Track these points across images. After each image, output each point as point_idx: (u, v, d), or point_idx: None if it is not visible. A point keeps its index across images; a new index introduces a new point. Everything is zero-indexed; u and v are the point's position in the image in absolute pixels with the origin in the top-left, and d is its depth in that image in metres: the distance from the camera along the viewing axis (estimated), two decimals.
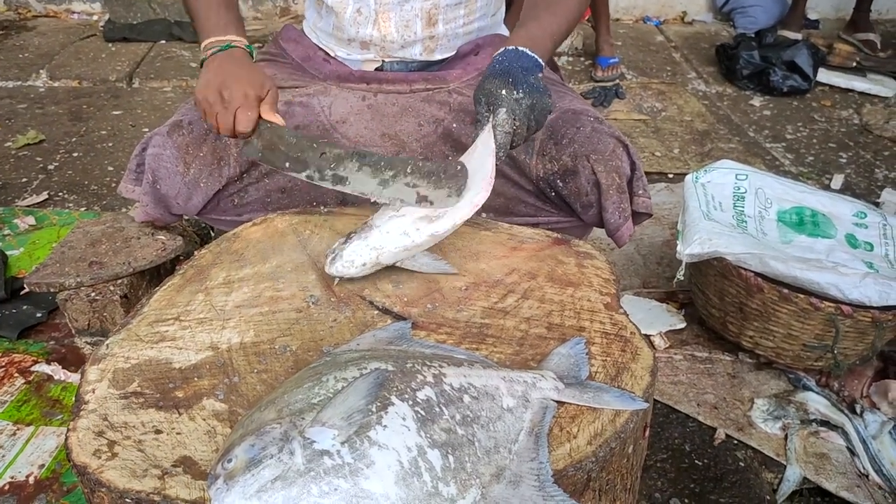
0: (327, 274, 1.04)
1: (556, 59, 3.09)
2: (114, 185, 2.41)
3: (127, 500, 0.72)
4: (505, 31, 1.58)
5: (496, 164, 1.09)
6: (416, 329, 0.96)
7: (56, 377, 1.55)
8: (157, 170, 1.33)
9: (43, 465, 1.34)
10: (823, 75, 3.35)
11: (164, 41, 3.68)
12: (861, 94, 3.32)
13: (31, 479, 1.32)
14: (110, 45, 3.63)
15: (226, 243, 1.16)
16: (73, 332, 1.59)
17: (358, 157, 1.06)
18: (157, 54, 3.54)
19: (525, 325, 0.97)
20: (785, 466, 1.41)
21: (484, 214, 1.40)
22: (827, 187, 2.52)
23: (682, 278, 1.64)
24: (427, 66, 1.48)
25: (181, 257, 1.57)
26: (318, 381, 0.73)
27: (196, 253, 1.14)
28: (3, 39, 3.68)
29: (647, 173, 1.52)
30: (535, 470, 0.74)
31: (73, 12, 4.06)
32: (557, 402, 0.83)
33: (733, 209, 1.74)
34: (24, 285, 1.56)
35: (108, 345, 0.92)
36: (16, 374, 1.56)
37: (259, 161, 1.12)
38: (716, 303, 1.65)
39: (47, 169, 2.53)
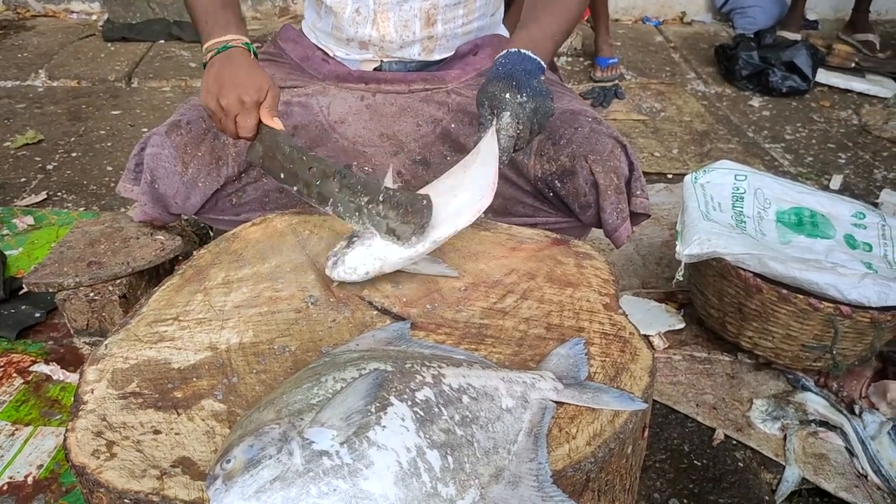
0: (328, 276, 1.04)
1: (555, 59, 3.09)
2: (113, 184, 2.40)
3: (126, 500, 0.72)
4: (504, 31, 1.58)
5: (500, 169, 1.09)
6: (415, 329, 0.96)
7: (55, 377, 1.55)
8: (155, 169, 1.33)
9: (41, 466, 1.34)
10: (822, 76, 3.35)
11: (163, 41, 3.68)
12: (860, 94, 3.32)
13: (30, 480, 1.31)
14: (109, 44, 3.62)
15: (225, 243, 1.16)
16: (72, 332, 1.59)
17: (339, 175, 1.05)
18: (155, 54, 3.54)
19: (524, 325, 0.97)
20: (784, 467, 1.41)
21: (482, 215, 1.40)
22: (826, 188, 2.52)
23: (681, 279, 1.64)
24: (426, 66, 1.48)
25: (180, 257, 1.57)
26: (317, 382, 0.73)
27: (195, 253, 1.14)
28: (1, 39, 3.68)
29: (646, 174, 1.52)
30: (534, 470, 0.74)
31: (72, 12, 4.06)
32: (556, 402, 0.83)
33: (732, 209, 1.75)
34: (23, 285, 1.56)
35: (106, 345, 0.92)
36: (14, 374, 1.56)
37: (259, 168, 1.12)
38: (715, 303, 1.65)
39: (46, 169, 2.52)
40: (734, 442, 1.48)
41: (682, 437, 1.49)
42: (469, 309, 1.00)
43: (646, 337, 0.97)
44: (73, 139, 2.74)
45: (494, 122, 1.11)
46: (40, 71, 3.29)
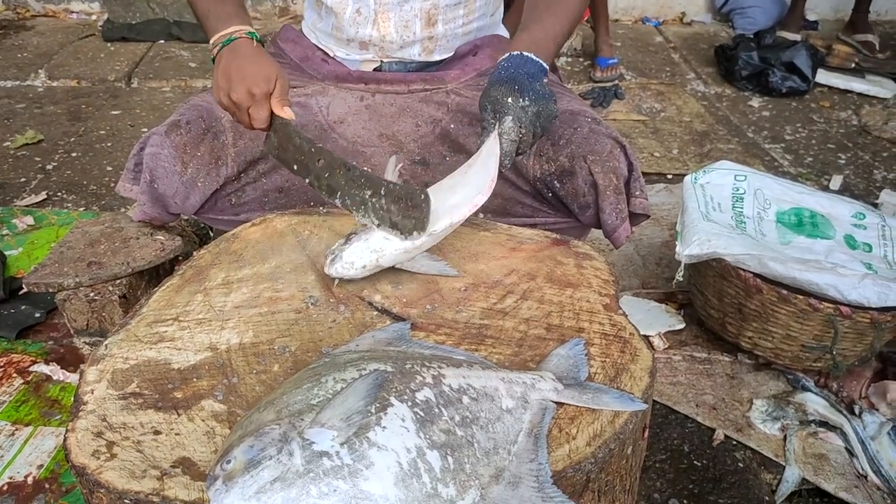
0: (326, 274, 1.04)
1: (555, 59, 3.09)
2: (112, 185, 2.40)
3: (126, 500, 0.72)
4: (503, 32, 1.58)
5: (500, 171, 1.09)
6: (416, 330, 0.96)
7: (55, 377, 1.55)
8: (154, 169, 1.33)
9: (42, 466, 1.34)
10: (822, 76, 3.36)
11: (162, 41, 3.68)
12: (860, 95, 3.32)
13: (30, 480, 1.31)
14: (109, 44, 3.62)
15: (225, 244, 1.16)
16: (72, 332, 1.59)
17: (343, 168, 1.06)
18: (155, 54, 3.54)
19: (524, 325, 0.97)
20: (784, 467, 1.41)
21: (481, 215, 1.40)
22: (826, 188, 2.52)
23: (681, 279, 1.64)
24: (425, 66, 1.48)
25: (180, 258, 1.57)
26: (317, 382, 0.73)
27: (195, 253, 1.14)
28: (1, 39, 3.68)
29: (645, 174, 1.53)
30: (534, 471, 0.74)
31: (72, 12, 4.06)
32: (556, 403, 0.83)
33: (732, 210, 1.75)
34: (23, 285, 1.55)
35: (106, 345, 0.92)
36: (14, 375, 1.56)
37: (276, 159, 1.12)
38: (715, 303, 1.65)
39: (46, 169, 2.52)
40: (734, 442, 1.48)
41: (682, 438, 1.50)
42: (469, 309, 1.00)
43: (646, 337, 0.97)
44: (72, 139, 2.74)
45: (497, 126, 1.11)
46: (40, 71, 3.29)
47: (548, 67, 1.18)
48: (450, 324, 0.97)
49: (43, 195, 2.33)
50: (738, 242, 1.56)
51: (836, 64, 3.47)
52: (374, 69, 1.47)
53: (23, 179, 2.45)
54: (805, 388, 1.57)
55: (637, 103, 3.17)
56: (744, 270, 1.53)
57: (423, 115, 1.43)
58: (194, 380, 0.87)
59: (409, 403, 0.72)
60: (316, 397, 0.71)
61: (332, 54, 1.49)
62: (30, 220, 2.13)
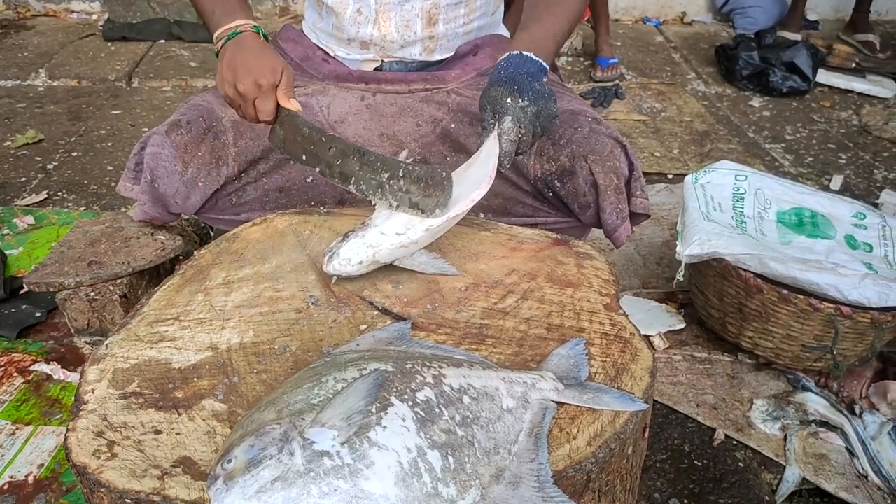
0: (325, 272, 1.04)
1: (555, 59, 3.09)
2: (113, 184, 2.41)
3: (126, 500, 0.72)
4: (504, 31, 1.58)
5: (500, 171, 1.09)
6: (416, 330, 0.96)
7: (55, 377, 1.55)
8: (155, 169, 1.33)
9: (42, 465, 1.34)
10: (823, 76, 3.35)
11: (163, 40, 3.68)
12: (860, 95, 3.32)
13: (31, 479, 1.32)
14: (109, 44, 3.62)
15: (225, 243, 1.16)
16: (73, 331, 1.59)
17: (358, 153, 1.06)
18: (156, 54, 3.54)
19: (525, 325, 0.97)
20: (784, 467, 1.41)
21: (482, 215, 1.40)
22: (826, 188, 2.52)
23: (681, 279, 1.64)
24: (426, 66, 1.48)
25: (181, 257, 1.57)
26: (317, 382, 0.73)
27: (195, 253, 1.14)
28: (2, 38, 3.68)
29: (646, 174, 1.53)
30: (534, 471, 0.74)
31: (73, 11, 4.06)
32: (557, 402, 0.83)
33: (733, 210, 1.75)
34: (24, 285, 1.56)
35: (107, 345, 0.92)
36: (15, 374, 1.56)
37: (282, 151, 1.12)
38: (715, 303, 1.65)
39: (46, 168, 2.53)
40: (734, 442, 1.48)
41: (683, 438, 1.50)
42: (469, 309, 1.00)
43: (646, 337, 0.97)
44: (73, 139, 2.74)
45: (496, 127, 1.11)
46: (41, 70, 3.29)
47: (548, 67, 1.18)
48: (450, 323, 0.97)
49: (43, 195, 2.34)
50: (739, 242, 1.56)
51: (837, 64, 3.47)
52: (375, 69, 1.47)
53: (23, 179, 2.45)
54: (805, 388, 1.57)
55: (638, 103, 3.17)
56: (744, 270, 1.53)
57: (423, 115, 1.43)
58: (195, 379, 0.87)
59: (410, 403, 0.72)
60: (317, 397, 0.71)
61: (332, 54, 1.49)
62: (30, 219, 2.13)
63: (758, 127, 3.02)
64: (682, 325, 1.76)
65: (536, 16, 1.24)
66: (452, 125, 1.42)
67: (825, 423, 1.49)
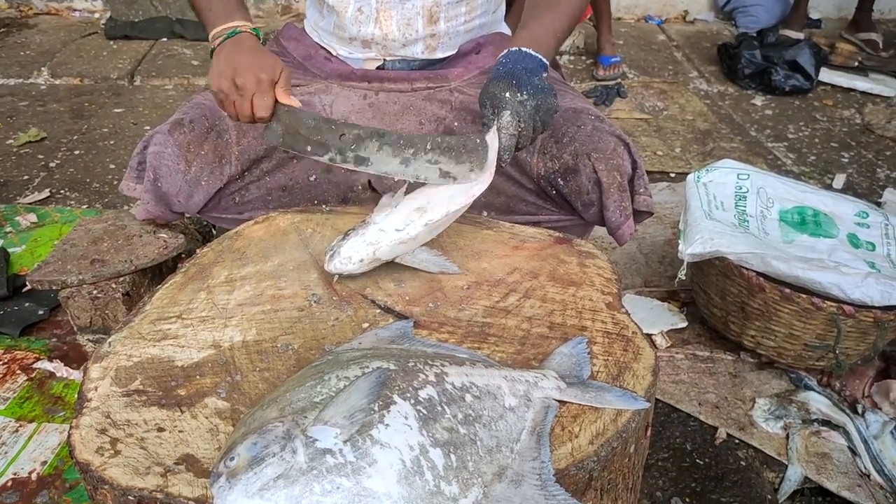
0: (326, 271, 1.04)
1: (557, 57, 3.09)
2: (115, 182, 2.41)
3: (130, 497, 0.72)
4: (506, 29, 1.58)
5: (501, 167, 1.09)
6: (418, 328, 0.96)
7: (58, 374, 1.55)
8: (158, 168, 1.33)
9: (45, 462, 1.34)
10: (825, 75, 3.35)
11: (165, 39, 3.68)
12: (863, 93, 3.32)
13: (34, 476, 1.32)
14: (112, 42, 3.63)
15: (228, 241, 1.16)
16: (75, 329, 1.59)
17: (377, 136, 1.06)
18: (158, 52, 3.54)
19: (527, 324, 0.97)
20: (786, 466, 1.41)
21: (485, 213, 1.40)
22: (829, 187, 2.51)
23: (683, 278, 1.64)
24: (428, 64, 1.48)
25: (183, 255, 1.57)
26: (320, 380, 0.73)
27: (198, 251, 1.14)
28: (4, 37, 3.68)
29: (648, 172, 1.52)
30: (536, 469, 0.74)
31: (75, 10, 4.06)
32: (559, 401, 0.83)
33: (735, 209, 1.74)
34: (26, 283, 1.56)
35: (110, 342, 0.93)
36: (18, 371, 1.56)
37: (281, 147, 1.12)
38: (717, 302, 1.65)
39: (49, 166, 2.53)
40: (736, 441, 1.48)
41: (685, 436, 1.50)
42: (472, 307, 1.00)
43: (648, 336, 0.97)
44: (75, 137, 2.75)
45: (495, 122, 1.11)
46: (43, 69, 3.30)
47: (547, 63, 1.18)
48: (452, 322, 0.97)
49: (46, 193, 2.34)
50: (741, 241, 1.56)
51: (840, 62, 3.47)
52: (377, 67, 1.47)
53: (26, 177, 2.45)
54: (808, 387, 1.57)
55: (640, 102, 3.17)
56: (747, 269, 1.53)
57: (426, 114, 1.43)
58: (198, 377, 0.87)
59: (412, 401, 0.72)
60: (319, 395, 0.71)
61: (334, 53, 1.49)
62: (33, 217, 2.13)
63: (760, 126, 3.01)
64: (685, 324, 1.76)
65: (537, 13, 1.24)
66: (455, 123, 1.42)
67: (827, 422, 1.49)
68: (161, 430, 0.79)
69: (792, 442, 1.45)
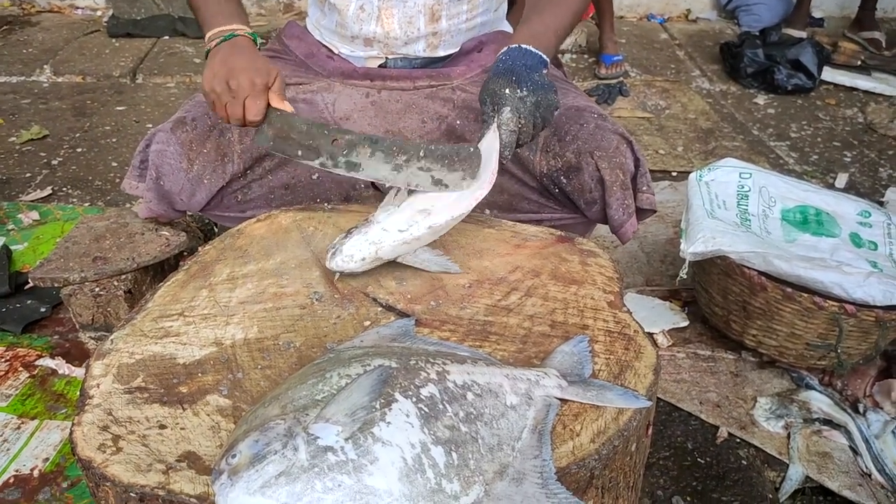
0: (328, 269, 1.04)
1: (559, 56, 3.09)
2: (117, 180, 2.41)
3: (132, 494, 0.72)
4: (507, 27, 1.58)
5: (502, 163, 1.09)
6: (420, 326, 0.96)
7: (60, 371, 1.55)
8: (160, 166, 1.34)
9: (47, 459, 1.35)
10: (828, 74, 3.34)
11: (167, 37, 3.68)
12: (866, 92, 3.31)
13: (36, 473, 1.32)
14: (114, 40, 3.63)
15: (230, 239, 1.16)
16: (78, 326, 1.60)
17: (370, 141, 1.06)
18: (160, 50, 3.54)
19: (528, 322, 0.97)
20: (787, 465, 1.41)
21: (487, 211, 1.40)
22: (831, 186, 2.51)
23: (685, 276, 1.64)
24: (431, 62, 1.48)
25: (185, 253, 1.57)
26: (321, 378, 0.73)
27: (200, 249, 1.14)
28: (7, 34, 3.69)
29: (650, 171, 1.53)
30: (538, 467, 0.74)
31: (77, 7, 4.06)
32: (561, 399, 0.83)
33: (737, 207, 1.74)
34: (29, 280, 1.56)
35: (112, 340, 0.93)
36: (20, 368, 1.56)
37: (271, 150, 1.11)
38: (719, 301, 1.65)
39: (51, 164, 2.53)
40: (738, 440, 1.48)
41: (686, 435, 1.50)
42: (473, 306, 1.00)
43: (650, 335, 0.97)
44: (77, 135, 2.75)
45: (496, 119, 1.11)
46: (45, 66, 3.30)
47: (548, 59, 1.18)
48: (454, 320, 0.97)
49: (48, 190, 2.34)
50: (743, 240, 1.56)
51: (842, 61, 3.46)
52: (380, 66, 1.47)
53: (28, 175, 2.45)
54: (809, 387, 1.57)
55: (642, 100, 3.16)
56: (748, 268, 1.53)
57: (428, 112, 1.43)
58: (199, 375, 0.87)
59: (414, 399, 0.72)
60: (321, 393, 0.71)
61: (336, 51, 1.49)
62: (35, 215, 2.13)
63: (762, 125, 3.01)
64: (686, 323, 1.76)
65: (537, 10, 1.24)
66: (457, 122, 1.42)
67: (829, 422, 1.49)
68: (163, 427, 0.79)
69: (793, 441, 1.45)
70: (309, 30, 1.54)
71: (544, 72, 1.16)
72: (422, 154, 1.04)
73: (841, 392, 1.58)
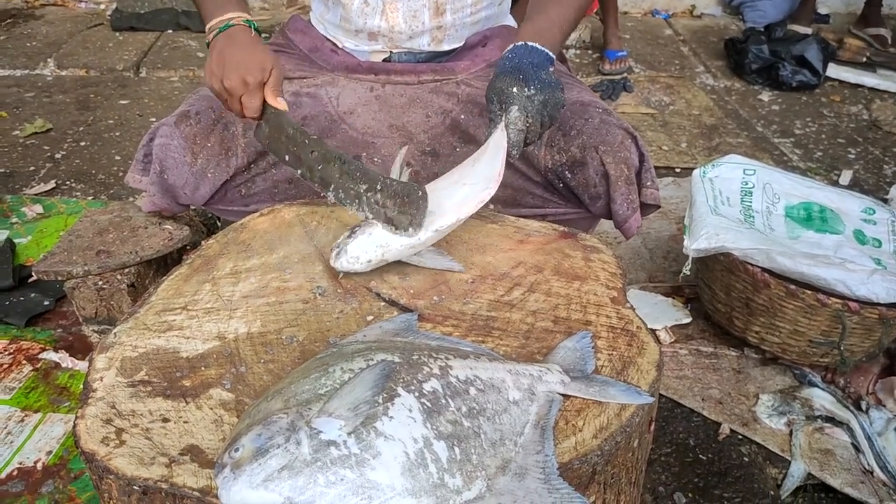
0: (332, 268, 1.04)
1: (563, 51, 3.08)
2: (121, 174, 2.41)
3: (135, 487, 0.72)
4: (512, 22, 1.57)
5: (510, 161, 1.09)
6: (423, 321, 0.96)
7: (63, 365, 1.56)
8: (164, 160, 1.34)
9: (51, 452, 1.35)
10: (833, 70, 3.33)
11: (171, 31, 3.68)
12: (871, 89, 3.30)
13: (39, 465, 1.33)
14: (118, 34, 3.63)
15: (233, 234, 1.16)
16: (81, 320, 1.60)
17: (339, 161, 1.06)
18: (164, 44, 3.54)
19: (531, 318, 0.97)
20: (789, 462, 1.41)
21: (491, 206, 1.39)
22: (835, 183, 2.50)
23: (688, 273, 1.63)
24: (435, 57, 1.48)
25: (188, 247, 1.57)
26: (324, 372, 0.73)
27: (203, 243, 1.14)
28: (10, 28, 3.69)
29: (654, 167, 1.53)
30: (540, 463, 0.74)
31: (81, 1, 4.06)
32: (563, 395, 0.83)
33: (741, 204, 1.74)
34: (32, 273, 1.56)
35: (115, 333, 0.93)
36: (24, 362, 1.57)
37: (266, 149, 1.12)
38: (722, 298, 1.64)
39: (55, 157, 2.53)
40: (740, 437, 1.48)
41: (688, 432, 1.50)
42: (476, 301, 1.00)
43: (652, 331, 0.97)
44: (81, 128, 2.75)
45: (503, 118, 1.11)
46: (49, 60, 3.30)
47: (553, 56, 1.17)
48: (457, 315, 0.97)
49: (52, 184, 2.34)
50: (747, 237, 1.56)
51: (847, 58, 3.45)
52: (384, 60, 1.47)
53: (32, 168, 2.46)
54: (812, 384, 1.57)
55: (646, 96, 3.16)
56: (752, 265, 1.52)
57: (433, 106, 1.43)
58: (202, 368, 0.87)
59: (417, 394, 0.72)
60: (323, 387, 0.71)
61: (340, 45, 1.48)
62: (39, 208, 2.14)
63: (767, 121, 3.00)
64: (689, 320, 1.76)
65: (542, 6, 1.23)
66: (462, 116, 1.41)
67: (831, 419, 1.49)
68: (166, 420, 0.79)
69: (795, 438, 1.45)
70: (313, 24, 1.54)
71: (551, 69, 1.15)
72: (378, 187, 1.03)
73: (843, 389, 1.58)
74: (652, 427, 0.92)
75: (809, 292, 1.47)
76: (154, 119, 2.77)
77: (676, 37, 3.88)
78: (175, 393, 0.83)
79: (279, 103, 1.11)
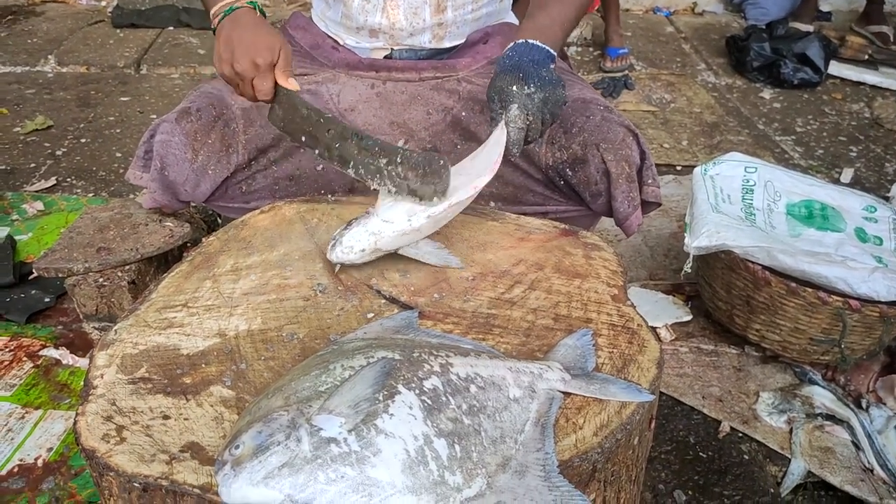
0: (329, 260, 1.04)
1: (565, 48, 3.07)
2: (122, 171, 2.41)
3: (135, 484, 0.72)
4: (513, 19, 1.57)
5: (511, 159, 1.09)
6: (423, 318, 0.96)
7: (64, 362, 1.56)
8: (165, 157, 1.33)
9: (51, 449, 1.35)
10: (835, 68, 3.32)
11: (172, 27, 3.67)
12: (872, 87, 3.29)
13: (40, 462, 1.33)
14: (118, 31, 3.62)
15: (234, 231, 1.16)
16: (81, 317, 1.60)
17: (356, 137, 1.05)
18: (165, 41, 3.54)
19: (532, 315, 0.97)
20: (789, 460, 1.41)
21: (492, 203, 1.40)
22: (836, 181, 2.50)
23: (689, 271, 1.63)
24: (436, 54, 1.47)
25: (188, 244, 1.57)
26: (325, 370, 0.73)
27: (204, 240, 1.14)
28: (11, 24, 3.68)
29: (655, 165, 1.53)
30: (540, 460, 0.74)
31: None
32: (564, 393, 0.83)
33: (742, 202, 1.74)
34: (33, 270, 1.57)
35: (116, 330, 0.93)
36: (24, 358, 1.57)
37: (281, 131, 1.12)
38: (723, 296, 1.64)
39: (55, 154, 2.53)
40: (740, 434, 1.48)
41: (688, 429, 1.50)
42: (477, 299, 1.00)
43: (653, 329, 0.97)
44: (82, 125, 2.75)
45: (504, 116, 1.10)
46: (50, 57, 3.30)
47: (554, 54, 1.17)
48: (457, 313, 0.97)
49: (52, 181, 2.34)
50: (748, 234, 1.55)
51: (849, 55, 3.44)
52: (385, 57, 1.47)
53: (32, 165, 2.46)
54: (812, 382, 1.57)
55: (647, 94, 3.15)
56: (752, 263, 1.52)
57: (434, 103, 1.42)
58: (203, 365, 0.87)
59: (417, 391, 0.72)
60: (324, 384, 0.71)
61: (341, 42, 1.48)
62: (39, 205, 2.14)
63: (768, 119, 2.99)
64: (689, 317, 1.76)
65: (543, 3, 1.23)
66: (463, 113, 1.41)
67: (831, 417, 1.49)
68: (166, 417, 0.80)
69: (795, 436, 1.45)
70: (314, 21, 1.54)
71: (551, 66, 1.15)
72: (399, 160, 1.03)
73: (844, 387, 1.58)
74: (652, 425, 0.92)
75: (810, 290, 1.47)
76: (155, 116, 2.77)
77: (678, 34, 3.87)
78: (175, 390, 0.83)
79: (291, 84, 1.11)
